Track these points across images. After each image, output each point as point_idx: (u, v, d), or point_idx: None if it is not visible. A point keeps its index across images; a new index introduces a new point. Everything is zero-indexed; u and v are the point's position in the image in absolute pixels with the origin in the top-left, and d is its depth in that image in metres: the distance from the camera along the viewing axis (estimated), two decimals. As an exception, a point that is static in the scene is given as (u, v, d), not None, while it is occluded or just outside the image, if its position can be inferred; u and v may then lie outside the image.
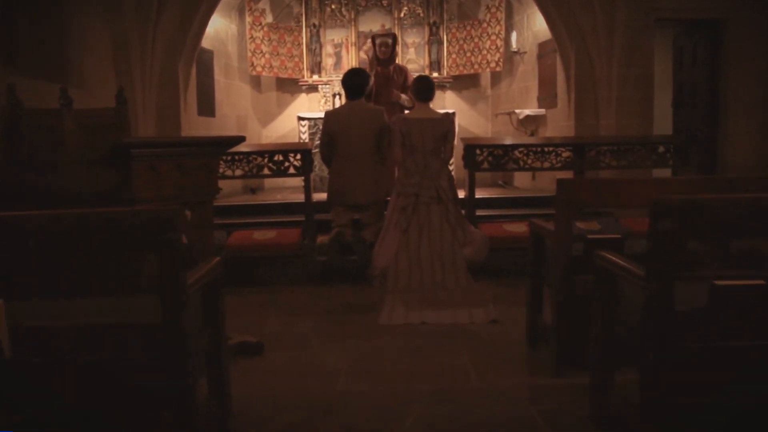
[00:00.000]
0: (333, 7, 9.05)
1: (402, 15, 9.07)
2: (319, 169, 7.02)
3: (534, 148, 5.70)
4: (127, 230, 1.97)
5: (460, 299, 4.40)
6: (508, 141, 6.09)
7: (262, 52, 8.63)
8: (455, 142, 5.09)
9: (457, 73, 9.05)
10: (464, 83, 9.31)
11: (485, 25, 8.67)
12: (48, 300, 2.30)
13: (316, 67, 9.02)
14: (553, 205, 4.49)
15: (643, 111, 6.75)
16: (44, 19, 5.31)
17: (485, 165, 5.64)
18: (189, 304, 2.11)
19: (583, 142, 5.77)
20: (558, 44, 6.93)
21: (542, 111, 7.76)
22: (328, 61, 9.09)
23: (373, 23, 9.01)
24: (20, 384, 2.08)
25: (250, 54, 8.51)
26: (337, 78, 8.34)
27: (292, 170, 5.63)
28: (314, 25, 8.98)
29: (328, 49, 9.08)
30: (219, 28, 8.16)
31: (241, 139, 3.58)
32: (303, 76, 9.01)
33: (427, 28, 9.06)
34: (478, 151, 5.59)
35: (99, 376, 2.11)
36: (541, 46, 7.91)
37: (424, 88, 4.97)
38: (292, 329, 4.07)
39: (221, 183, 4.73)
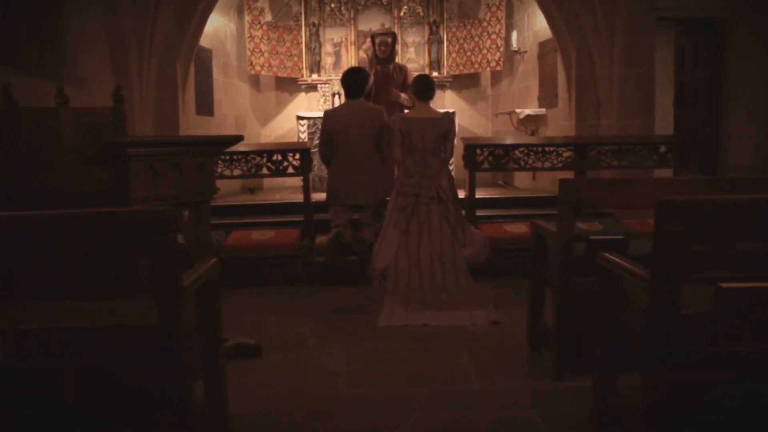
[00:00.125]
0: (332, 5, 9.01)
1: (402, 14, 9.03)
2: (319, 168, 6.98)
3: (535, 148, 5.67)
4: (122, 231, 1.93)
5: (460, 300, 4.36)
6: (509, 141, 6.05)
7: (261, 51, 8.59)
8: (455, 141, 5.06)
9: (457, 72, 9.02)
10: (464, 83, 9.27)
11: (485, 24, 8.64)
12: (43, 301, 2.27)
13: (316, 67, 8.98)
14: (553, 205, 4.45)
15: (645, 111, 6.71)
16: (42, 17, 5.27)
17: (486, 165, 5.61)
18: (185, 305, 2.08)
19: (584, 142, 5.73)
20: (559, 43, 6.89)
21: (543, 111, 7.72)
22: (328, 61, 9.05)
23: (373, 22, 8.97)
24: (14, 386, 2.05)
25: (248, 53, 8.47)
26: (336, 77, 8.30)
27: (290, 170, 5.59)
28: (313, 24, 8.94)
29: (328, 48, 9.04)
30: (218, 26, 8.12)
31: (239, 139, 3.54)
32: (302, 76, 8.97)
33: (427, 27, 9.03)
34: (478, 151, 5.56)
35: (94, 378, 2.08)
36: (542, 45, 7.87)
37: (424, 87, 4.94)
38: (291, 330, 4.03)
39: (219, 183, 4.69)
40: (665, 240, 1.91)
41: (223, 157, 5.47)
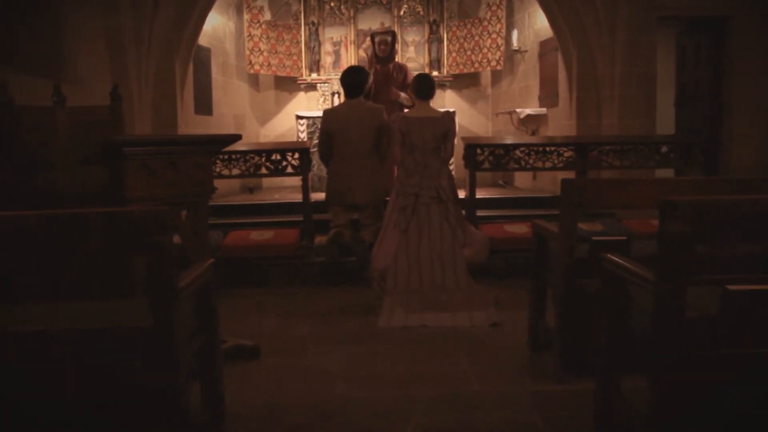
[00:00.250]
0: (332, 4, 8.97)
1: (402, 13, 9.00)
2: (318, 168, 6.94)
3: (535, 148, 5.63)
4: (115, 231, 1.90)
5: (460, 302, 4.32)
6: (510, 140, 6.02)
7: (260, 50, 8.55)
8: (455, 141, 5.02)
9: (457, 71, 8.98)
10: (464, 82, 9.24)
11: (486, 23, 8.60)
12: (36, 303, 2.23)
13: (315, 66, 8.94)
14: (553, 206, 4.40)
15: (646, 110, 6.67)
16: (40, 16, 5.24)
17: (486, 165, 5.57)
18: (181, 307, 2.05)
19: (585, 142, 5.70)
20: (560, 42, 6.85)
21: (543, 110, 7.69)
22: (327, 60, 9.02)
23: (373, 21, 8.93)
24: (8, 387, 2.02)
25: (248, 52, 8.43)
26: (335, 76, 8.26)
27: (290, 169, 5.56)
28: (313, 23, 8.90)
29: (327, 47, 9.01)
30: (216, 25, 8.08)
31: (237, 138, 3.50)
32: (301, 75, 8.93)
33: (427, 27, 8.99)
34: (479, 151, 5.52)
35: (89, 380, 2.05)
36: (543, 44, 7.84)
37: (424, 87, 4.90)
38: (290, 332, 3.99)
39: (218, 182, 4.65)
40: (670, 241, 1.87)
41: (221, 156, 5.44)
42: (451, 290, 4.49)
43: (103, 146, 3.16)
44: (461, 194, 5.16)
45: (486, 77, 9.27)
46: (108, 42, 5.99)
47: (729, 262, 2.07)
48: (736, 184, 2.82)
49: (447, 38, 8.95)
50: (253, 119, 9.06)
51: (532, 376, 3.18)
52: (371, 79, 5.47)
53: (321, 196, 5.35)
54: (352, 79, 4.97)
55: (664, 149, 5.72)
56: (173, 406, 2.04)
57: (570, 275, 2.96)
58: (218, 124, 7.82)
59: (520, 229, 5.30)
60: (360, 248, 4.78)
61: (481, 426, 2.65)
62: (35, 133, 4.18)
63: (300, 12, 8.92)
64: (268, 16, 8.91)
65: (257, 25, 8.52)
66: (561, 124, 7.15)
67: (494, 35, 8.48)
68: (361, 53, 8.57)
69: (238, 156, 5.51)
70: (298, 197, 5.66)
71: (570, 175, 5.54)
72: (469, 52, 8.81)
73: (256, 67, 8.56)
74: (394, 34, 6.69)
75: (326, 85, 8.88)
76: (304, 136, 7.99)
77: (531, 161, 5.62)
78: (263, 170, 5.59)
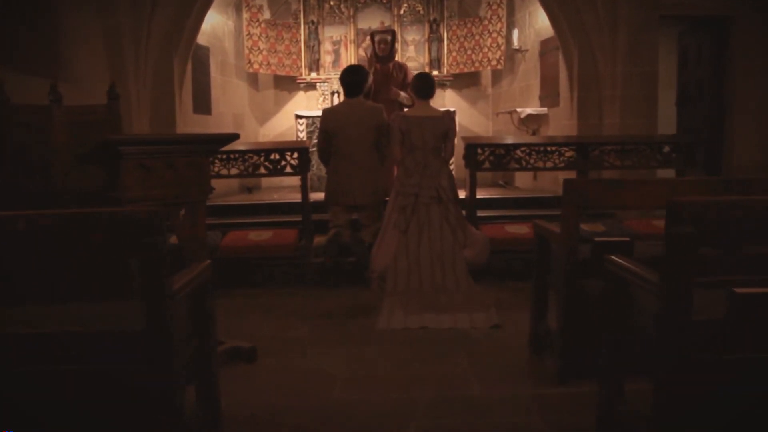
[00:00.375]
0: (332, 3, 8.93)
1: (402, 12, 8.95)
2: (317, 168, 6.90)
3: (536, 148, 5.59)
4: (108, 232, 1.85)
5: (460, 303, 4.28)
6: (510, 140, 5.97)
7: (259, 49, 8.51)
8: (456, 141, 4.98)
9: (457, 71, 8.93)
10: (464, 81, 9.19)
11: (486, 22, 8.56)
12: (28, 305, 2.19)
13: (315, 65, 8.90)
14: (554, 206, 4.35)
15: (647, 110, 6.63)
16: (38, 15, 5.20)
17: (487, 164, 5.53)
18: (176, 309, 2.01)
19: (586, 142, 5.65)
20: (560, 41, 6.81)
21: (544, 110, 7.65)
22: (327, 59, 8.97)
23: (373, 20, 8.89)
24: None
25: (247, 51, 8.39)
26: (335, 76, 8.21)
27: (288, 169, 5.51)
28: (312, 22, 8.85)
29: (327, 46, 8.96)
30: (215, 24, 8.04)
31: (234, 137, 3.45)
32: (301, 74, 8.89)
33: (427, 26, 8.94)
34: (479, 151, 5.48)
35: (83, 383, 2.01)
36: (543, 43, 7.79)
37: (424, 86, 4.86)
38: (288, 334, 3.95)
39: (216, 182, 4.61)
40: (677, 243, 1.83)
41: (219, 156, 5.40)
42: (451, 291, 4.45)
43: (99, 145, 3.12)
44: (461, 194, 5.11)
45: (486, 76, 9.23)
46: (106, 41, 5.96)
47: (735, 264, 2.02)
48: (741, 185, 2.78)
49: (447, 37, 8.90)
50: (252, 118, 9.01)
51: (533, 379, 3.14)
52: (371, 78, 5.43)
53: (320, 196, 5.30)
54: (351, 78, 4.93)
55: (666, 149, 5.67)
56: (167, 410, 2.00)
57: (572, 276, 2.92)
58: (217, 123, 7.78)
59: (521, 229, 5.26)
60: (359, 249, 4.74)
61: (483, 429, 2.62)
62: (31, 132, 4.15)
63: (299, 11, 8.87)
64: (267, 14, 8.87)
65: (256, 23, 8.48)
66: (562, 123, 7.11)
67: (495, 34, 8.43)
68: (361, 52, 8.53)
69: (237, 156, 5.47)
70: (297, 197, 5.61)
71: (571, 175, 5.50)
72: (469, 52, 8.77)
73: (255, 66, 8.52)
74: (393, 33, 6.65)
75: (326, 84, 8.84)
76: (303, 135, 7.95)
77: (532, 161, 5.57)
78: (262, 170, 5.54)
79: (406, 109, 5.62)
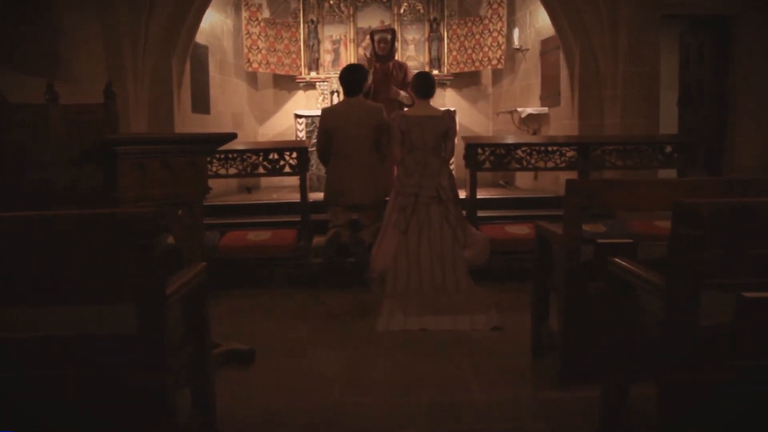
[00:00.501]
0: (331, 2, 8.88)
1: (402, 11, 8.91)
2: (317, 167, 6.86)
3: (537, 148, 5.54)
4: (101, 234, 1.81)
5: (461, 304, 4.24)
6: (511, 140, 5.93)
7: (258, 48, 8.46)
8: (456, 140, 4.94)
9: (457, 70, 8.89)
10: (465, 81, 9.15)
11: (486, 21, 8.51)
12: (17, 308, 2.15)
13: (314, 64, 8.85)
14: (555, 206, 4.30)
15: (649, 110, 6.59)
16: (36, 14, 5.16)
17: (487, 164, 5.49)
18: (170, 312, 1.97)
19: (588, 142, 5.61)
20: (561, 41, 6.76)
21: (545, 109, 7.60)
22: (326, 58, 8.92)
23: (372, 19, 8.85)
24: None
25: (246, 50, 8.35)
26: (335, 75, 8.16)
27: (287, 169, 5.47)
28: (312, 21, 8.81)
29: (326, 45, 8.92)
30: (214, 23, 8.00)
31: (232, 136, 3.41)
32: (300, 73, 8.84)
33: (427, 25, 8.90)
34: (479, 150, 5.44)
35: (76, 387, 1.97)
36: (544, 42, 7.75)
37: (425, 85, 4.83)
38: (286, 335, 3.90)
39: (215, 182, 4.56)
40: (683, 245, 1.79)
41: (218, 155, 5.36)
42: (452, 292, 4.41)
43: (95, 145, 3.08)
44: (462, 194, 5.07)
45: (487, 76, 9.18)
46: (105, 41, 5.93)
47: (743, 267, 1.98)
48: (747, 186, 2.74)
49: (447, 36, 8.85)
50: (251, 118, 8.97)
51: (535, 383, 3.10)
52: (371, 77, 5.39)
53: (320, 195, 5.26)
54: (351, 77, 4.89)
55: (668, 149, 5.63)
56: (160, 415, 1.97)
57: (574, 279, 2.87)
58: (216, 122, 7.74)
59: (522, 230, 5.21)
60: (359, 249, 4.69)
61: (483, 434, 2.58)
62: (27, 132, 4.11)
63: (299, 10, 8.83)
64: (266, 13, 8.82)
65: (255, 22, 8.43)
66: (563, 123, 7.06)
67: (495, 33, 8.39)
68: (361, 52, 8.48)
69: (235, 155, 5.43)
70: (297, 197, 5.57)
71: (572, 175, 5.46)
72: (469, 51, 8.73)
73: (255, 65, 8.47)
74: (393, 32, 6.61)
75: (325, 83, 8.79)
76: (303, 135, 7.91)
77: (533, 161, 5.53)
78: (260, 170, 5.50)
79: (406, 109, 5.58)
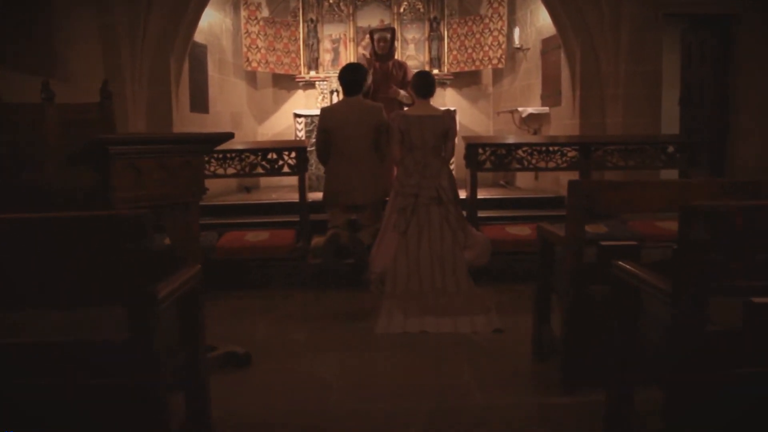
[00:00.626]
0: (331, 1, 8.83)
1: (402, 10, 8.86)
2: (316, 167, 6.82)
3: (538, 148, 5.50)
4: (93, 236, 1.76)
5: (461, 306, 4.19)
6: (512, 140, 5.89)
7: (257, 47, 8.41)
8: (456, 140, 4.89)
9: (458, 69, 8.84)
10: (465, 80, 9.10)
11: (487, 20, 8.46)
12: (8, 312, 2.10)
13: (314, 63, 8.80)
14: (556, 207, 4.25)
15: (651, 109, 6.53)
16: (33, 13, 5.12)
17: (488, 165, 5.44)
18: (163, 316, 1.92)
19: (589, 142, 5.56)
20: (562, 40, 6.71)
21: (546, 109, 7.55)
22: (326, 57, 8.87)
23: (372, 18, 8.80)
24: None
25: (245, 49, 8.30)
26: (334, 74, 8.09)
27: (286, 169, 5.43)
28: (311, 20, 8.76)
29: (326, 44, 8.87)
30: (213, 22, 7.95)
31: (229, 136, 3.35)
32: (300, 73, 8.79)
33: (427, 24, 8.85)
34: (480, 150, 5.39)
35: (67, 393, 1.93)
36: (545, 42, 7.70)
37: (425, 84, 4.78)
38: (284, 337, 3.85)
39: (214, 181, 4.51)
40: (690, 249, 1.74)
41: (216, 155, 5.31)
42: (452, 294, 4.36)
43: (90, 145, 3.03)
44: (462, 195, 5.03)
45: (487, 75, 9.13)
46: (102, 39, 5.88)
47: (751, 272, 1.93)
48: (753, 187, 2.70)
49: (448, 36, 8.80)
50: (250, 117, 8.92)
51: (537, 387, 3.04)
52: (370, 77, 5.34)
53: (319, 195, 5.22)
54: (350, 76, 4.85)
55: (671, 149, 5.58)
56: (153, 419, 1.92)
57: (577, 281, 2.82)
58: (215, 122, 7.69)
59: (522, 230, 5.17)
60: (358, 250, 4.64)
61: (484, 440, 2.53)
62: (23, 131, 4.06)
63: (298, 9, 8.78)
64: (265, 12, 8.77)
65: (255, 21, 8.38)
66: (564, 123, 7.02)
67: (495, 33, 8.34)
68: (361, 51, 8.43)
69: (234, 155, 5.38)
70: (296, 197, 5.52)
71: (573, 175, 5.41)
72: (470, 50, 8.68)
73: (254, 64, 8.43)
74: (393, 31, 6.56)
75: (325, 83, 8.74)
76: (302, 134, 7.86)
77: (534, 161, 5.48)
78: (259, 170, 5.46)
79: (405, 108, 5.54)
